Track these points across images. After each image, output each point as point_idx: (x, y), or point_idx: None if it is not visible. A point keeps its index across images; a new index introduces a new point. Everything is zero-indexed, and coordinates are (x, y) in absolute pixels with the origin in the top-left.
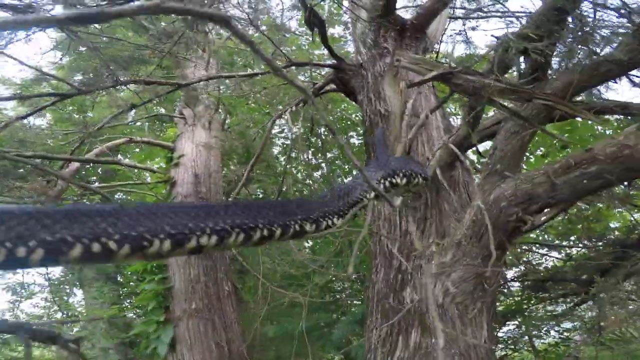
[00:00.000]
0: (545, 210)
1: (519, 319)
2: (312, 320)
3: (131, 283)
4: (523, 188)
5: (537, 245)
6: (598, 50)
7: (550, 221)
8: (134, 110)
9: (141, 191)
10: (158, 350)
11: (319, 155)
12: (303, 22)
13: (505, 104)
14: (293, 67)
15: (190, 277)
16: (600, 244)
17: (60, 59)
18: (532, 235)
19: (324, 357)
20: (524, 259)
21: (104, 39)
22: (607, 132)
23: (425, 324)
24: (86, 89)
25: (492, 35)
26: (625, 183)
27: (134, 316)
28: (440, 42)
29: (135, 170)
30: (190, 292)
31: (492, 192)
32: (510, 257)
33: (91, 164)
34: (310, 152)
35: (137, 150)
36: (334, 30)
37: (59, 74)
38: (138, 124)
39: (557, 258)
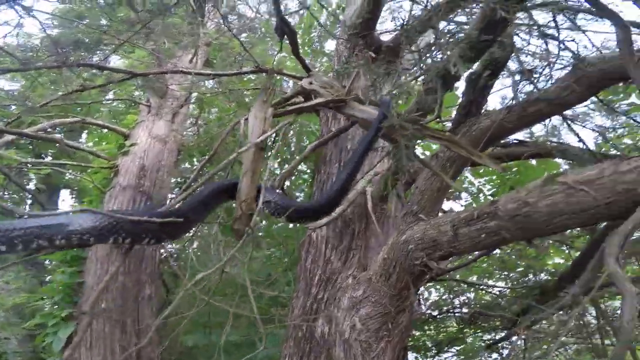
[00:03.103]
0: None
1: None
2: (250, 334)
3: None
4: (430, 234)
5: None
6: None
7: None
8: (112, 91)
9: (79, 176)
10: (53, 345)
11: (285, 165)
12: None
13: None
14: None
15: (105, 274)
16: (521, 285)
17: (6, 35)
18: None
19: None
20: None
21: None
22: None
23: (332, 357)
24: (24, 67)
25: (404, 68)
26: None
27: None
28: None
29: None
30: (103, 290)
31: (405, 232)
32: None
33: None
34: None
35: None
36: (329, 45)
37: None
38: (114, 104)
39: (491, 293)
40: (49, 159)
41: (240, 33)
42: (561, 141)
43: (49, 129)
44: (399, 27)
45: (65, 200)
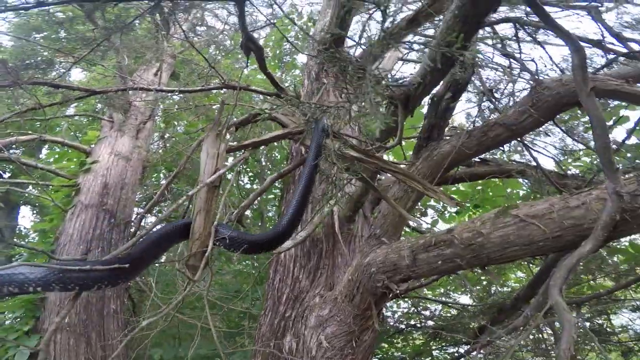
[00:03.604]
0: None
1: None
2: (222, 348)
3: None
4: (391, 258)
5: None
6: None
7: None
8: (73, 105)
9: (39, 195)
10: (16, 358)
11: (256, 181)
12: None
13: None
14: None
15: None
16: (482, 302)
17: None
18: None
19: None
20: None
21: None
22: (520, 193)
23: None
24: None
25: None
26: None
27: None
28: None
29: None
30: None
31: (368, 255)
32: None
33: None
34: (246, 176)
35: (57, 149)
36: (302, 58)
37: None
38: (77, 118)
39: (455, 308)
40: (6, 175)
41: (208, 45)
42: (521, 161)
43: (4, 147)
44: (364, 43)
45: (26, 217)
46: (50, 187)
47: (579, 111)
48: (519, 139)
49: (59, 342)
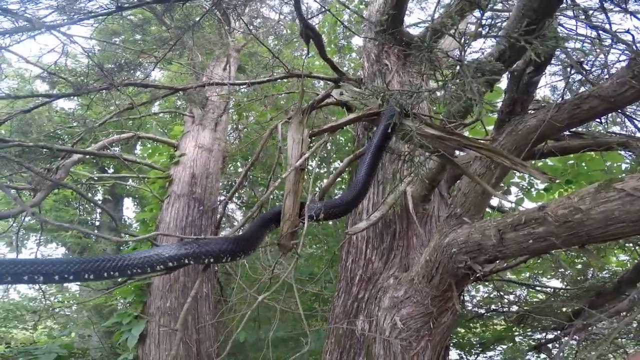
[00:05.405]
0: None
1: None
2: (296, 330)
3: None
4: (474, 238)
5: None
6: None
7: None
8: (157, 103)
9: (139, 187)
10: (127, 342)
11: (323, 164)
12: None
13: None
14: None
15: (169, 276)
16: (575, 286)
17: (55, 62)
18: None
19: None
20: (503, 292)
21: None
22: (623, 167)
23: (371, 354)
24: (77, 92)
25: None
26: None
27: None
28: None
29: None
30: (167, 291)
31: (448, 235)
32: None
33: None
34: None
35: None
36: (356, 40)
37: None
38: (161, 115)
39: (543, 292)
40: (110, 171)
41: (266, 36)
42: (621, 132)
43: (108, 145)
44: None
45: (129, 208)
46: (147, 179)
47: None
48: (618, 111)
49: (162, 326)
